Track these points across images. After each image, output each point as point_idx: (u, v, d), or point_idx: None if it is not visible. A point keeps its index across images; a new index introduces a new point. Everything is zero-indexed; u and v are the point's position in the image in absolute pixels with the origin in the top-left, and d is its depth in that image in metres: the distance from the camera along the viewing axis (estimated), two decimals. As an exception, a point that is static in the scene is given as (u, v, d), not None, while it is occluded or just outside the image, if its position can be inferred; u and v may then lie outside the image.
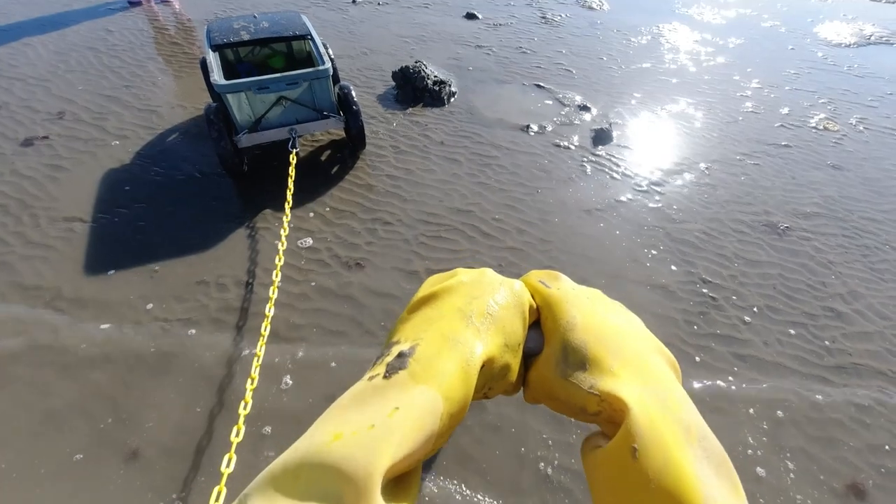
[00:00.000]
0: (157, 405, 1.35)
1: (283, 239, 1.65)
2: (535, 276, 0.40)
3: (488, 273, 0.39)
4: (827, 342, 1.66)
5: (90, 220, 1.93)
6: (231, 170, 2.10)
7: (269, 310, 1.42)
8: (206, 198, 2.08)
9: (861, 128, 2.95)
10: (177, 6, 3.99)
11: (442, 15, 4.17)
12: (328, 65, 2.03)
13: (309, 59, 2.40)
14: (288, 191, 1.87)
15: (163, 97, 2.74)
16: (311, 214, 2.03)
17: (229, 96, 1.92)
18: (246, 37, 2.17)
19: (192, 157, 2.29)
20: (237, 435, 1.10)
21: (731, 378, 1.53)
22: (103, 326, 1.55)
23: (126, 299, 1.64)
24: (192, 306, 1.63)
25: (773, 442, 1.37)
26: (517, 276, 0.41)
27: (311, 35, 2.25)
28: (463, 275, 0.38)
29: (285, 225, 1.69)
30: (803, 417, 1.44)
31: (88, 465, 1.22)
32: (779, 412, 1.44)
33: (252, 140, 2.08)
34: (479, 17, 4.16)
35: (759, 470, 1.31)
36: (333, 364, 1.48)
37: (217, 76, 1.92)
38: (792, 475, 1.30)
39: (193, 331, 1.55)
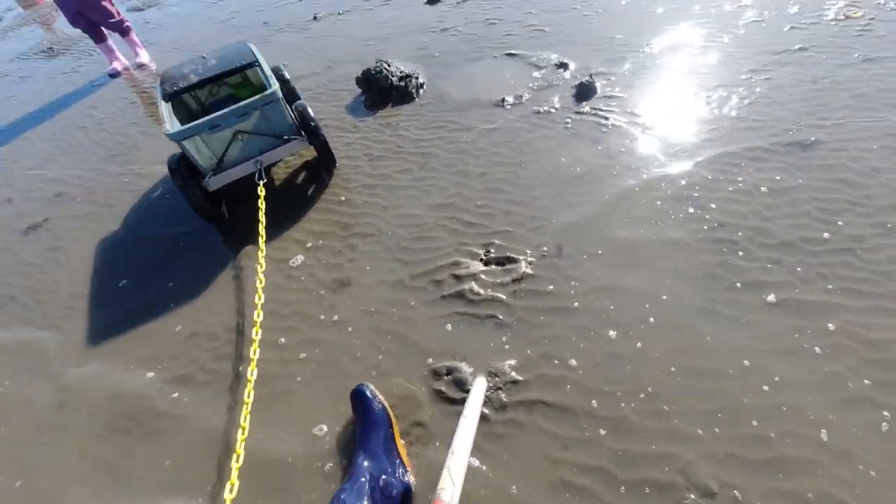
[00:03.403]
0: (151, 468, 1.33)
1: (261, 275, 1.59)
2: None
3: None
4: (880, 266, 1.39)
5: (88, 295, 1.98)
6: (207, 215, 2.09)
7: (254, 353, 1.36)
8: (191, 249, 2.08)
9: (892, 5, 2.52)
10: (153, 67, 4.10)
11: (403, 7, 4.03)
12: (275, 87, 1.96)
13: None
14: (260, 224, 1.82)
15: (145, 159, 2.80)
16: (291, 242, 1.97)
17: (185, 143, 1.90)
18: (195, 78, 2.15)
19: (174, 213, 2.30)
20: (231, 491, 1.05)
21: (765, 328, 1.31)
22: (108, 392, 1.56)
23: (127, 366, 1.65)
24: (186, 361, 1.61)
25: (827, 400, 1.15)
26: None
27: (257, 62, 2.19)
28: None
29: (261, 260, 1.64)
30: (861, 362, 1.20)
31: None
32: (828, 360, 1.22)
33: (221, 181, 2.06)
34: (441, -1, 3.98)
35: (822, 433, 1.09)
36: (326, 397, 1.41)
37: (168, 125, 1.90)
38: (856, 428, 1.08)
39: (188, 386, 1.53)
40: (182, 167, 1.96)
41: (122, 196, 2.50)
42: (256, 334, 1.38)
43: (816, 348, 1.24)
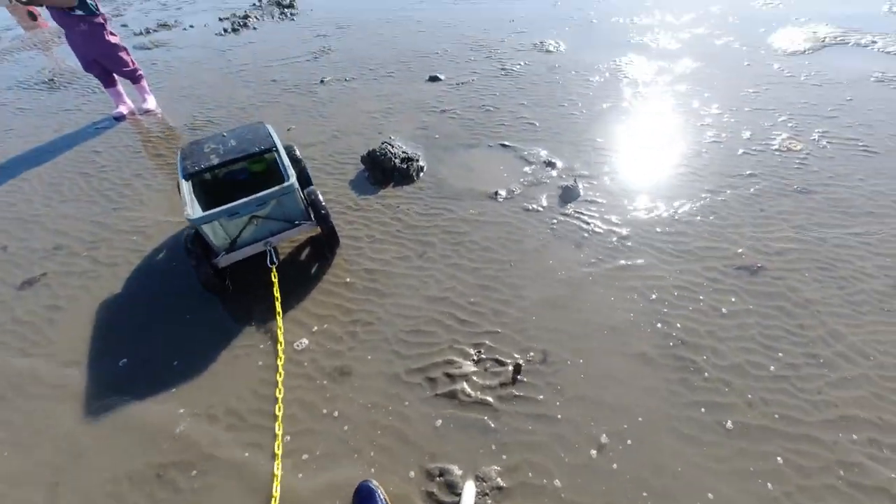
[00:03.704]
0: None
1: (281, 369, 1.75)
2: None
3: None
4: (810, 395, 1.65)
5: (85, 363, 2.02)
6: (214, 290, 2.20)
7: (278, 447, 1.54)
8: (191, 322, 2.16)
9: (824, 143, 2.99)
10: (159, 113, 4.23)
11: (406, 81, 4.37)
12: (292, 180, 2.13)
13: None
14: (278, 315, 1.97)
15: (149, 215, 2.88)
16: (296, 323, 2.10)
17: (203, 226, 2.03)
18: (215, 160, 2.32)
19: (176, 280, 2.38)
20: None
21: (718, 450, 1.52)
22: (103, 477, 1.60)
23: (121, 451, 1.69)
24: (184, 445, 1.68)
25: (766, 522, 1.35)
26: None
27: (275, 147, 2.38)
28: None
29: (280, 353, 1.78)
30: (795, 488, 1.42)
31: None
32: (769, 486, 1.43)
33: (230, 259, 2.18)
34: (442, 78, 4.34)
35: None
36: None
37: (190, 209, 2.03)
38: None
39: (195, 472, 1.60)
40: (196, 246, 2.08)
41: (125, 256, 2.56)
42: (279, 428, 1.52)
43: (769, 484, 1.44)
